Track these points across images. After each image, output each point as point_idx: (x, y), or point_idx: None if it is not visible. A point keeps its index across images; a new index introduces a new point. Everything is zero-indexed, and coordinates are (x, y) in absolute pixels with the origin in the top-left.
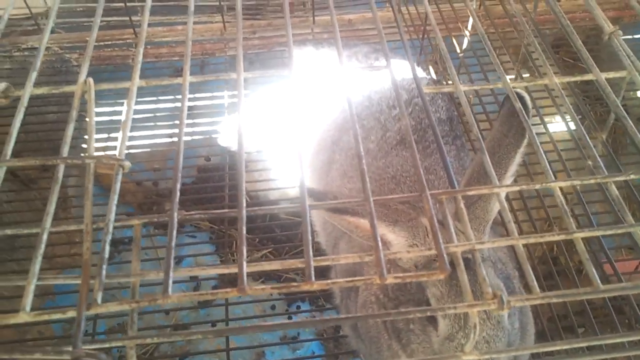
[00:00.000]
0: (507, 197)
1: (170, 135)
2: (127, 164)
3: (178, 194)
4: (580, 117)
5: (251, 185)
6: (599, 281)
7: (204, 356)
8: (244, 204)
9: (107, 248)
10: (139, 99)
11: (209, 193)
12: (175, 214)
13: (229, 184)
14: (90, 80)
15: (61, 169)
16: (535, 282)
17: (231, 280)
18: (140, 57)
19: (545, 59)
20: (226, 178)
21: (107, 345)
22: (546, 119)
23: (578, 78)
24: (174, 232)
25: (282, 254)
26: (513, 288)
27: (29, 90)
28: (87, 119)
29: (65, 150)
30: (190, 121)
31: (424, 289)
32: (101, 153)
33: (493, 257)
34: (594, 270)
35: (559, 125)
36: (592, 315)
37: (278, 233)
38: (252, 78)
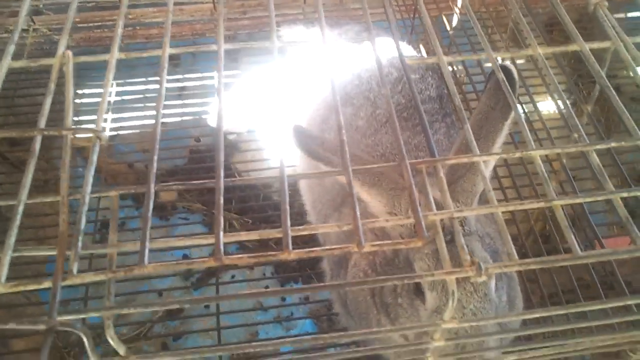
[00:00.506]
0: (496, 175)
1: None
2: (105, 135)
3: (155, 164)
4: (570, 94)
5: (243, 166)
6: (577, 248)
7: (198, 336)
8: (222, 175)
9: (84, 219)
10: (128, 80)
11: (201, 174)
12: (152, 185)
13: (213, 155)
14: (69, 52)
15: (38, 140)
16: (514, 250)
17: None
18: (119, 30)
19: (530, 31)
20: (211, 150)
21: (84, 316)
22: (538, 97)
23: (562, 48)
24: (150, 202)
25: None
26: (501, 262)
27: (6, 64)
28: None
29: (42, 122)
30: (180, 102)
31: (412, 263)
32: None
33: (481, 231)
34: (573, 237)
35: (550, 104)
36: (581, 293)
37: (271, 213)
38: (244, 57)
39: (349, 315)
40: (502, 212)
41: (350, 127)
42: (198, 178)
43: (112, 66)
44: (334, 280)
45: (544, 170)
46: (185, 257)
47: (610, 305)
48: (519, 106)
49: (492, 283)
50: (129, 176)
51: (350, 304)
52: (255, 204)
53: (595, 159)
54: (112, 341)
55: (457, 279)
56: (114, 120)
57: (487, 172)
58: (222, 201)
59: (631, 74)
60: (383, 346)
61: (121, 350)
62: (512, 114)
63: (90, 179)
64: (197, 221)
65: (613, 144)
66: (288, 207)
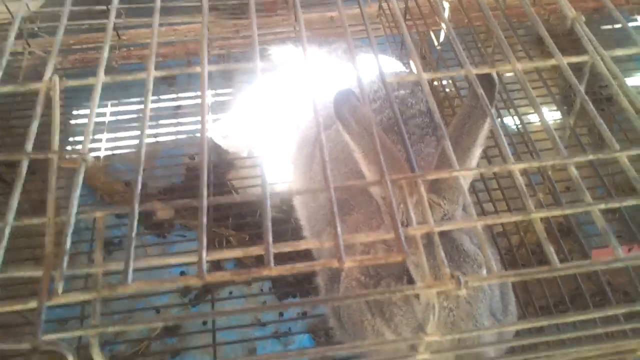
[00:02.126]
0: (485, 187)
1: (155, 135)
2: (90, 158)
3: (140, 185)
4: (565, 107)
5: (239, 182)
6: (556, 259)
7: (195, 353)
8: (205, 194)
9: (69, 240)
10: (124, 100)
11: (197, 192)
12: (137, 205)
13: (213, 182)
14: (56, 77)
15: (24, 164)
16: (494, 263)
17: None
18: (105, 54)
19: (509, 47)
20: (210, 176)
21: (67, 335)
22: (529, 109)
23: (540, 63)
24: (135, 222)
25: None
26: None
27: None
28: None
29: (29, 147)
30: (175, 121)
31: (404, 262)
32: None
33: (468, 230)
34: (552, 249)
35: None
36: (575, 302)
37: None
38: (237, 76)
39: (343, 328)
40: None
41: (342, 142)
42: (195, 196)
43: (97, 90)
44: (327, 294)
45: (522, 184)
46: (182, 274)
47: (597, 315)
48: (511, 119)
49: (484, 272)
50: (126, 195)
51: (343, 315)
52: (251, 220)
53: (573, 171)
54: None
55: (449, 289)
56: (109, 140)
57: (468, 180)
58: (205, 220)
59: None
60: (375, 342)
61: None
62: (487, 124)
63: (75, 201)
64: (193, 238)
65: (591, 157)
66: (270, 224)
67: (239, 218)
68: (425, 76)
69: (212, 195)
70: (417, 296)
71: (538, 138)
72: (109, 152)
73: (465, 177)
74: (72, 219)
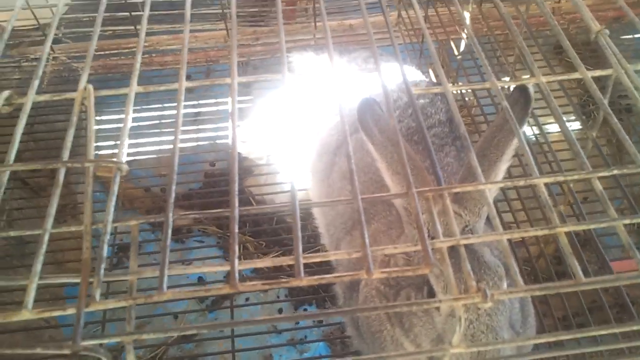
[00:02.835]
0: (505, 197)
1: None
2: (125, 167)
3: (173, 194)
4: (584, 117)
5: (257, 189)
6: (580, 274)
7: (213, 359)
8: (236, 204)
9: (106, 247)
10: (145, 106)
11: (216, 197)
12: (171, 214)
13: (227, 180)
14: (90, 86)
15: (62, 173)
16: (519, 275)
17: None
18: (138, 65)
19: (533, 60)
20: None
21: (106, 341)
22: (550, 119)
23: (564, 77)
24: (169, 231)
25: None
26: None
27: (31, 98)
28: (88, 125)
29: (66, 155)
30: (194, 127)
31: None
32: (107, 153)
33: (488, 242)
34: (577, 264)
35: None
36: (594, 315)
37: (284, 236)
38: (256, 83)
39: (361, 337)
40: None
41: (361, 150)
42: (213, 202)
43: (131, 99)
44: (346, 303)
45: (547, 197)
46: (200, 279)
47: (619, 330)
48: (530, 129)
49: (504, 286)
50: (146, 200)
51: (362, 324)
52: (268, 227)
53: (598, 185)
54: None
55: (475, 302)
56: (130, 146)
57: (492, 194)
58: (237, 230)
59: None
60: (397, 354)
61: None
62: (515, 140)
63: (112, 209)
64: (212, 244)
65: (615, 172)
66: (300, 234)
67: (256, 225)
68: (451, 88)
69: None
70: (437, 308)
71: (556, 148)
72: (130, 158)
73: (490, 190)
74: (109, 227)
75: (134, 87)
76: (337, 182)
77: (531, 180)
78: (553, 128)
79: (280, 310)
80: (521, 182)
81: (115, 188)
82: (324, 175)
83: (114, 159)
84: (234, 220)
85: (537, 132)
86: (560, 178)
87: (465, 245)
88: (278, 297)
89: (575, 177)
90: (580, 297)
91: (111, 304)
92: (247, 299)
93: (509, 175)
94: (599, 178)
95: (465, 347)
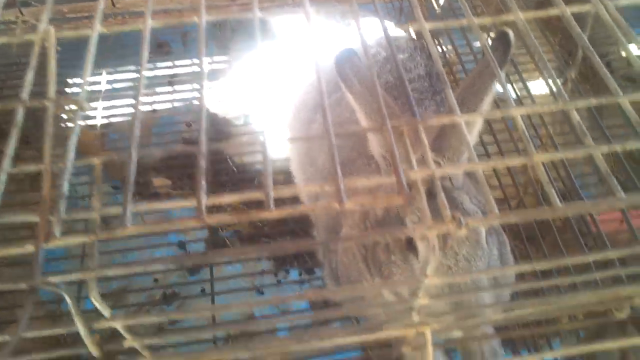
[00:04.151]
0: (481, 143)
1: (151, 103)
2: (86, 105)
3: (138, 132)
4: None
5: (237, 154)
6: (557, 200)
7: (194, 320)
8: (204, 141)
9: (66, 185)
10: (119, 68)
11: (195, 161)
12: (135, 152)
13: (211, 149)
14: (51, 28)
15: (20, 112)
16: (494, 204)
17: (218, 246)
18: (101, 6)
19: (512, 4)
20: (207, 144)
21: (67, 277)
22: (528, 76)
23: (543, 12)
24: (132, 168)
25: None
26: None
27: None
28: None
29: (25, 94)
30: (170, 88)
31: (403, 220)
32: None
33: (470, 192)
34: (554, 192)
35: (542, 85)
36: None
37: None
38: (233, 44)
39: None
40: (492, 188)
41: (339, 106)
42: (192, 166)
43: (94, 40)
44: (326, 257)
45: (524, 128)
46: (181, 243)
47: (592, 257)
48: (512, 88)
49: (483, 232)
50: (123, 167)
51: (341, 275)
52: (250, 189)
53: (575, 116)
54: (97, 303)
55: (450, 230)
56: (105, 108)
57: (473, 134)
58: (204, 164)
59: (619, 46)
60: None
61: (106, 312)
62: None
63: (73, 147)
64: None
65: (594, 101)
66: (270, 169)
67: (237, 186)
68: (427, 26)
69: (210, 163)
70: (416, 255)
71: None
72: (105, 121)
73: (470, 132)
74: (70, 164)
75: (97, 28)
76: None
77: (507, 111)
78: (533, 85)
79: (262, 273)
80: (497, 113)
81: (77, 127)
82: (301, 132)
83: (76, 98)
84: (202, 155)
85: (519, 90)
86: (537, 108)
87: (445, 192)
88: (260, 258)
89: (553, 107)
90: (564, 253)
91: (71, 239)
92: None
93: (494, 138)
94: (577, 110)
95: (440, 278)
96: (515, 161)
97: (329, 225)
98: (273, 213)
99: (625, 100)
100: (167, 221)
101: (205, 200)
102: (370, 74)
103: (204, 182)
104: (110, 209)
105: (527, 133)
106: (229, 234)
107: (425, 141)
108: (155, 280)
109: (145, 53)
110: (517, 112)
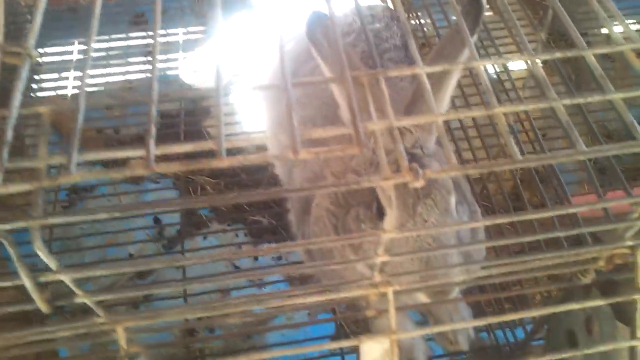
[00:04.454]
0: (461, 125)
1: (124, 73)
2: (35, 52)
3: (87, 82)
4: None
5: (215, 130)
6: (517, 152)
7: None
8: (156, 88)
9: (10, 132)
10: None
11: (173, 140)
12: (82, 100)
13: (185, 120)
14: None
15: None
16: (453, 156)
17: (195, 225)
18: None
19: None
20: (181, 114)
21: (8, 226)
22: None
23: None
24: (81, 116)
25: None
26: (464, 195)
27: None
28: None
29: None
30: (144, 58)
31: (375, 189)
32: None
33: (439, 158)
34: (513, 143)
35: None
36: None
37: (244, 177)
38: (210, 13)
39: (313, 261)
40: (472, 171)
41: (314, 75)
42: (169, 143)
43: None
44: (299, 228)
45: (487, 82)
46: (156, 220)
47: (555, 213)
48: (490, 66)
49: (452, 199)
50: (99, 142)
51: (314, 248)
52: (227, 169)
53: (539, 70)
54: (41, 253)
55: (418, 194)
56: (77, 79)
57: (444, 101)
58: (154, 112)
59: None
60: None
61: (52, 264)
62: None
63: (18, 95)
64: (168, 186)
65: (558, 54)
66: (223, 115)
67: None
68: None
69: (184, 135)
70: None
71: (519, 86)
72: (76, 91)
73: (441, 99)
74: (15, 112)
75: None
76: None
77: (470, 64)
78: (514, 65)
79: (239, 247)
80: (461, 66)
81: (24, 74)
82: (275, 102)
83: (23, 44)
84: (153, 103)
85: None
86: (502, 61)
87: (415, 158)
88: (237, 234)
89: (515, 59)
90: (535, 229)
91: (14, 187)
92: (204, 238)
93: (467, 104)
94: (542, 65)
95: (398, 232)
96: (479, 112)
97: (302, 198)
98: (224, 161)
99: (589, 54)
100: (115, 169)
101: (154, 149)
102: (335, 32)
103: (153, 129)
104: (55, 157)
105: (489, 86)
106: (208, 211)
107: (386, 93)
108: (131, 255)
109: (95, 22)
110: (480, 64)
